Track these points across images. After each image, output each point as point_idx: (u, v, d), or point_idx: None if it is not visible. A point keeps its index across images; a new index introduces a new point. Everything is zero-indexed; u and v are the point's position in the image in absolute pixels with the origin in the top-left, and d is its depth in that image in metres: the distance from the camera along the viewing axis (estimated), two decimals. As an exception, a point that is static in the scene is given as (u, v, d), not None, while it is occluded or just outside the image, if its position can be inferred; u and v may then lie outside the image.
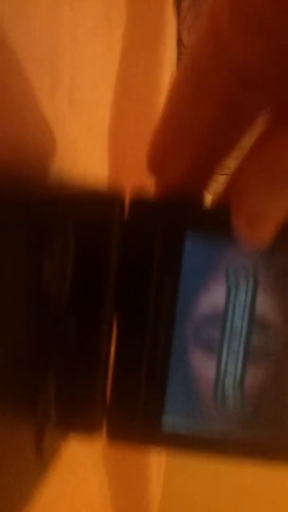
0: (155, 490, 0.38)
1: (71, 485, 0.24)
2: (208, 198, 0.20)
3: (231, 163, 0.19)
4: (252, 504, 0.75)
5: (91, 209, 0.19)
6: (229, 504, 0.75)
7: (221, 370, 0.19)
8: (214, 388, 0.19)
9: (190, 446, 0.19)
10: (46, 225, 0.18)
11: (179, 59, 0.49)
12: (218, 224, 0.19)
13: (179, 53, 0.49)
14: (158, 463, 0.36)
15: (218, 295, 0.19)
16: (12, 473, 0.16)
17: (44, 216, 0.18)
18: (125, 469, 0.31)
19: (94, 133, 0.26)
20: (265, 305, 0.19)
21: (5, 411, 0.16)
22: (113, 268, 0.19)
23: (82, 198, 0.19)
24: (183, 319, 0.19)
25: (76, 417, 0.20)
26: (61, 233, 0.19)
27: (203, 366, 0.19)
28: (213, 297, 0.19)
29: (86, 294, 0.19)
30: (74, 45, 0.23)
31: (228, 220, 0.18)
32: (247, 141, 0.17)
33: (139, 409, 0.20)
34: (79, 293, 0.19)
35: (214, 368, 0.19)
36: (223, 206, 0.18)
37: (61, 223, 0.19)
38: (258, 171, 0.16)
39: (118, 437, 0.20)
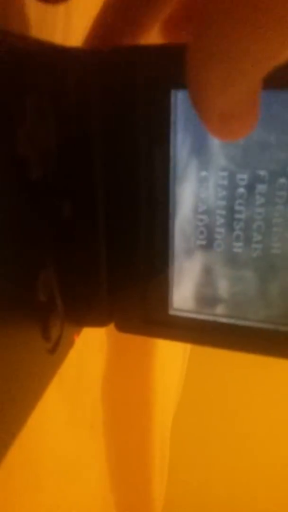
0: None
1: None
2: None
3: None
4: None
5: (67, 67, 0.16)
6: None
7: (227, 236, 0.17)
8: (221, 258, 0.18)
9: (199, 331, 0.18)
10: (14, 84, 0.15)
11: None
12: None
13: None
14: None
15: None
16: (24, 364, 0.15)
17: (10, 73, 0.15)
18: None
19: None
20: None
21: (5, 300, 0.15)
22: (98, 135, 0.17)
23: (56, 57, 0.16)
24: (180, 193, 0.17)
25: (82, 305, 0.18)
26: (33, 91, 0.16)
27: (209, 244, 0.18)
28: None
29: (73, 162, 0.17)
30: None
31: None
32: None
33: (145, 292, 0.18)
34: (65, 162, 0.17)
35: (220, 235, 0.18)
36: None
37: (32, 81, 0.16)
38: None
39: (126, 326, 0.19)
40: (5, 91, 0.14)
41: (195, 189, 0.17)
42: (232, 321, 0.17)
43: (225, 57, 0.11)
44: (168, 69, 0.16)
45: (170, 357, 0.41)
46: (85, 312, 0.18)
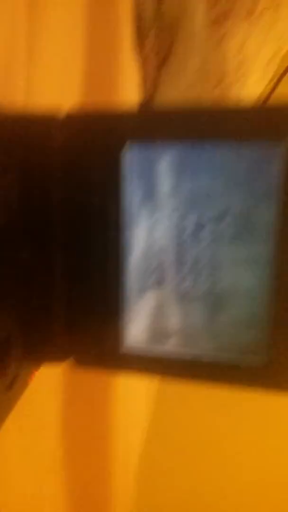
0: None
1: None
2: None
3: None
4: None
5: (30, 128, 0.18)
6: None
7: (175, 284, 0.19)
8: (173, 300, 0.19)
9: (152, 365, 0.19)
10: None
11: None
12: (160, 127, 0.18)
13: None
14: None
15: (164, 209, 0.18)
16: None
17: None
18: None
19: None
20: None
21: None
22: (57, 186, 0.18)
23: (20, 120, 0.18)
24: (133, 236, 0.19)
25: (40, 342, 0.19)
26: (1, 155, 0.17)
27: (160, 281, 0.19)
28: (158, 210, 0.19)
29: (33, 209, 0.18)
30: None
31: (172, 121, 0.17)
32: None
33: (100, 328, 0.19)
34: (26, 210, 0.18)
35: (170, 280, 0.19)
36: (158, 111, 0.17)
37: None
38: None
39: (83, 363, 0.20)
40: None
41: (147, 231, 0.19)
42: (182, 353, 0.18)
43: None
44: (119, 129, 0.18)
45: (134, 389, 0.41)
46: (43, 349, 0.19)
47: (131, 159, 0.18)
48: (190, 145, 0.18)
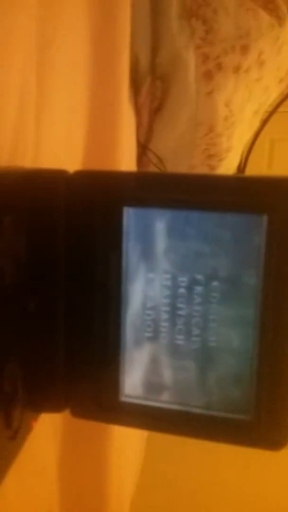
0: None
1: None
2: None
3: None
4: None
5: (37, 187, 0.20)
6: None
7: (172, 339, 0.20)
8: (169, 356, 0.20)
9: (147, 417, 0.20)
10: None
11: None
12: (155, 193, 0.20)
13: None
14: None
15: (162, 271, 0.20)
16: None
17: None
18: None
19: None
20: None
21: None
22: (62, 243, 0.20)
23: (28, 179, 0.20)
24: (131, 292, 0.20)
25: (41, 392, 0.20)
26: (11, 213, 0.19)
27: (155, 336, 0.20)
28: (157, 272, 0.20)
29: (39, 265, 0.19)
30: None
31: (165, 189, 0.19)
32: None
33: (98, 379, 0.20)
34: (32, 266, 0.19)
35: (165, 338, 0.20)
36: (158, 176, 0.19)
37: (10, 204, 0.19)
38: None
39: (81, 413, 0.21)
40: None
41: (143, 288, 0.20)
42: (176, 407, 0.20)
43: None
44: (120, 190, 0.20)
45: (127, 438, 0.42)
46: (43, 398, 0.20)
47: (129, 219, 0.20)
48: (180, 211, 0.20)
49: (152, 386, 0.20)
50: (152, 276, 0.20)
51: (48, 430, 0.25)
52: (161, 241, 0.20)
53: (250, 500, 0.76)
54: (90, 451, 0.30)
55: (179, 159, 0.49)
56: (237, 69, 0.47)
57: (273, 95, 0.51)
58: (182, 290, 0.20)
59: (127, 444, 0.40)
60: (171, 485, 0.76)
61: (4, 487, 0.19)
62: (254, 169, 0.56)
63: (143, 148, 0.49)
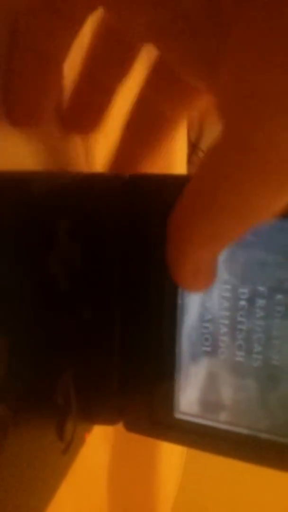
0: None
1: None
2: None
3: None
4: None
5: (93, 193, 0.19)
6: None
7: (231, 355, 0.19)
8: (229, 372, 0.19)
9: (202, 436, 0.19)
10: (49, 214, 0.18)
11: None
12: None
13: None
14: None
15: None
16: (39, 464, 0.16)
17: (47, 205, 0.18)
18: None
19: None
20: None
21: (27, 404, 0.16)
22: (117, 249, 0.19)
23: (83, 184, 0.19)
24: (187, 303, 0.19)
25: (94, 405, 0.20)
26: (67, 219, 0.18)
27: (213, 351, 0.19)
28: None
29: (94, 273, 0.19)
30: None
31: None
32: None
33: (153, 394, 0.20)
34: (87, 274, 0.19)
35: (224, 353, 0.19)
36: None
37: (65, 210, 0.18)
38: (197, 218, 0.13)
39: (134, 428, 0.20)
40: (40, 221, 0.16)
41: (201, 300, 0.19)
42: (233, 429, 0.19)
43: (210, 215, 0.12)
44: (178, 195, 0.19)
45: (171, 452, 0.41)
46: (97, 411, 0.20)
47: None
48: None
49: (209, 404, 0.19)
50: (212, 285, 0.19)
51: (100, 440, 0.25)
52: None
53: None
54: (139, 462, 0.30)
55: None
56: None
57: None
58: (242, 303, 0.19)
59: (170, 455, 0.39)
60: (209, 500, 0.75)
61: (56, 499, 0.18)
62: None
63: (193, 147, 0.47)
